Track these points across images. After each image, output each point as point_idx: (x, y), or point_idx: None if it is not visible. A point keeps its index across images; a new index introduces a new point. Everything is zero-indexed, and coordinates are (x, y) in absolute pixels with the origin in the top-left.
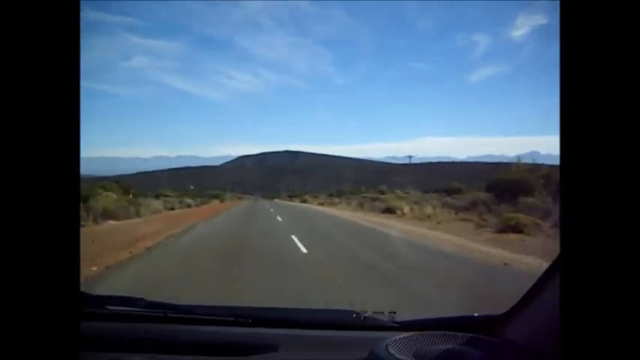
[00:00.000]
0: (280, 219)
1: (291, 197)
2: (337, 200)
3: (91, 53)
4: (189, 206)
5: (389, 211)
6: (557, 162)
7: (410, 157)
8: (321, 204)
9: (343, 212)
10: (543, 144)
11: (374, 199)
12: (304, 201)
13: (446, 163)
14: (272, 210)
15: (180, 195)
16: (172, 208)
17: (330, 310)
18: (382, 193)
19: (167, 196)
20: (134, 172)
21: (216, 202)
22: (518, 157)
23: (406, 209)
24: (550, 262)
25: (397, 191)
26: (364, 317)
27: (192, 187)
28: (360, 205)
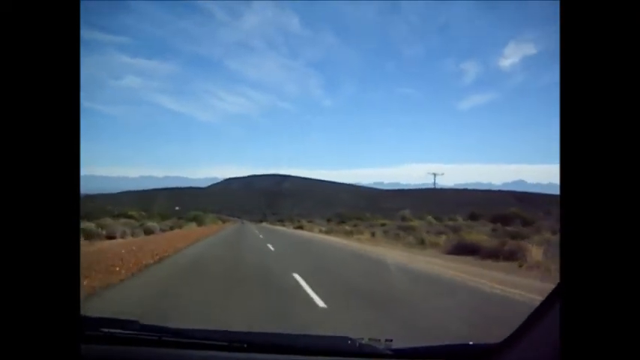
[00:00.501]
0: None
1: (281, 221)
2: (348, 228)
3: (81, 71)
4: (147, 233)
5: (468, 250)
6: (543, 190)
7: (435, 175)
8: (326, 232)
9: (405, 255)
10: (530, 172)
11: (403, 228)
12: (300, 227)
13: (432, 190)
14: (272, 248)
15: (147, 217)
16: (111, 237)
17: (325, 336)
18: (405, 219)
19: (130, 217)
20: (120, 191)
21: (192, 227)
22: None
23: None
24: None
25: (404, 216)
26: (359, 344)
27: (177, 208)
28: (395, 238)
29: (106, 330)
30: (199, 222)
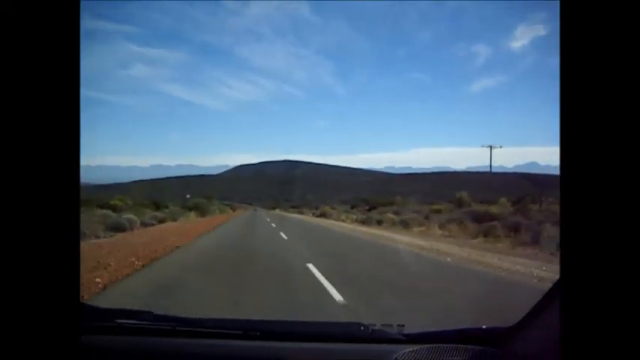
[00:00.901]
0: None
1: (296, 208)
2: (394, 217)
3: (90, 61)
4: (119, 230)
5: None
6: (555, 172)
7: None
8: (362, 223)
9: None
10: (542, 154)
11: (475, 217)
12: (322, 215)
13: (446, 172)
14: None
15: (133, 207)
16: None
17: (338, 322)
18: (463, 203)
19: (112, 207)
20: (131, 180)
21: (190, 218)
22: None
23: None
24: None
25: (462, 199)
26: (372, 330)
27: (188, 196)
28: (495, 235)
29: (120, 321)
30: (202, 211)
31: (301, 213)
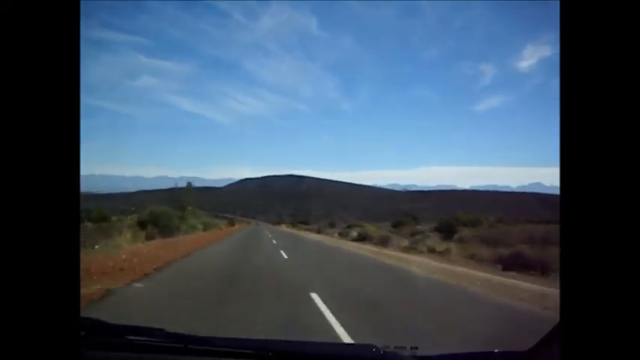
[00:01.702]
0: None
1: (305, 223)
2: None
3: (97, 70)
4: None
5: None
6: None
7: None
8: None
9: None
10: (547, 175)
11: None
12: (363, 238)
13: (450, 191)
14: None
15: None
16: None
17: (350, 344)
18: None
19: None
20: (136, 190)
21: (132, 242)
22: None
23: None
24: None
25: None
26: (384, 352)
27: (190, 208)
28: None
29: (131, 337)
30: (165, 228)
31: (319, 232)
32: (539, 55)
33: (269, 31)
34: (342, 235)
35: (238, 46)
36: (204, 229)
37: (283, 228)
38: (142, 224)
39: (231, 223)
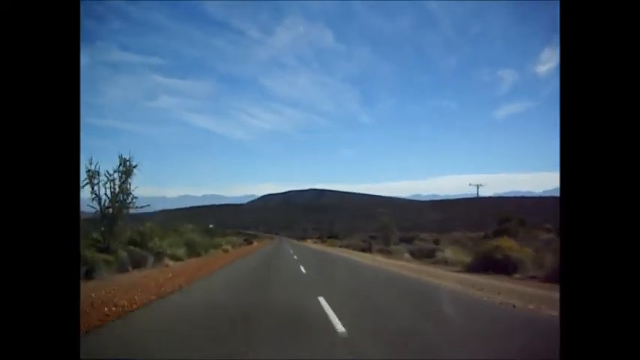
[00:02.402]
0: None
1: (334, 237)
2: None
3: (116, 92)
4: None
5: None
6: None
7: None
8: None
9: None
10: None
11: None
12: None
13: (474, 199)
14: None
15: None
16: None
17: None
18: None
19: None
20: (159, 210)
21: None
22: None
23: None
24: None
25: None
26: None
27: (211, 225)
28: None
29: None
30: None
31: (366, 252)
32: (557, 59)
33: (285, 45)
34: (421, 257)
35: (255, 62)
36: (202, 256)
37: (310, 244)
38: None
39: (248, 241)
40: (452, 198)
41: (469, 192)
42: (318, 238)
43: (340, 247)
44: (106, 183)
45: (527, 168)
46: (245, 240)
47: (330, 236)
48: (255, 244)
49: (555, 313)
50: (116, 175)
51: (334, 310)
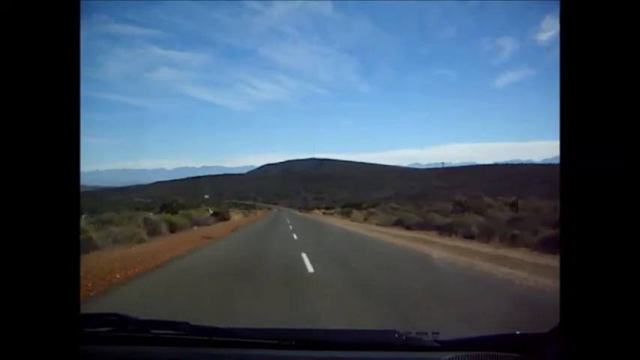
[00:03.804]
0: None
1: (350, 207)
2: None
3: (115, 65)
4: None
5: None
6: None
7: (442, 163)
8: None
9: None
10: None
11: None
12: None
13: (474, 166)
14: None
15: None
16: None
17: (372, 330)
18: None
19: None
20: (155, 182)
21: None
22: None
23: None
24: None
25: None
26: (406, 337)
27: (206, 196)
28: None
29: (156, 331)
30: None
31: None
32: (559, 26)
33: (284, 15)
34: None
35: (254, 32)
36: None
37: (321, 217)
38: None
39: (245, 213)
40: (454, 166)
41: (467, 161)
42: (327, 208)
43: (378, 225)
44: None
45: (526, 137)
46: (214, 214)
47: (345, 206)
48: (250, 217)
49: None
50: None
51: None
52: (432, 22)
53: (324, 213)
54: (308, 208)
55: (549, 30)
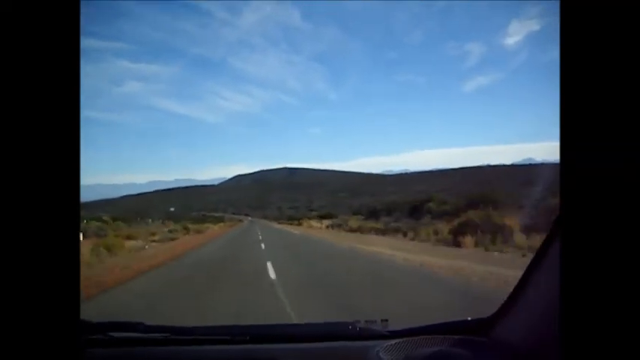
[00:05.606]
0: None
1: (327, 217)
2: None
3: (82, 80)
4: None
5: None
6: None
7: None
8: None
9: None
10: (539, 150)
11: None
12: None
13: (448, 171)
14: None
15: None
16: None
17: (325, 323)
18: None
19: None
20: (122, 195)
21: None
22: None
23: None
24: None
25: None
26: (360, 328)
27: (172, 209)
28: None
29: (114, 334)
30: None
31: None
32: (525, 30)
33: (253, 26)
34: None
35: (223, 43)
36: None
37: (308, 231)
38: None
39: (198, 230)
40: (423, 171)
41: (436, 166)
42: (322, 217)
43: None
44: None
45: (496, 141)
46: (197, 228)
47: (323, 216)
48: (198, 238)
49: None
50: None
51: None
52: (398, 28)
53: (327, 227)
54: (293, 220)
55: (515, 34)
